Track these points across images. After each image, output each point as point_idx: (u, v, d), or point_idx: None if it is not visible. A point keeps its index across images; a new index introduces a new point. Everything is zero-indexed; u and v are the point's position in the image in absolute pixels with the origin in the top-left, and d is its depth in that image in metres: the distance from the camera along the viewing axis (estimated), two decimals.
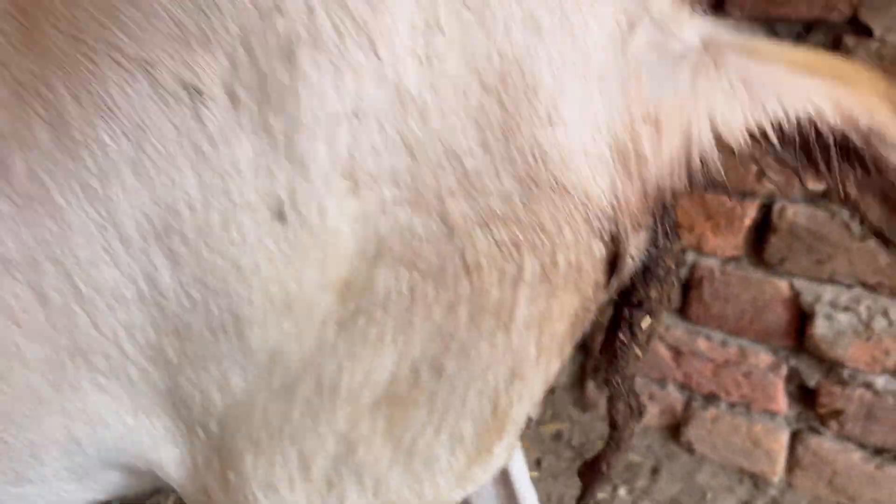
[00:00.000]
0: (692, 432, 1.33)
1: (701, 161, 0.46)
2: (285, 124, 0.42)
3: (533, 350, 0.51)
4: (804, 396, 1.22)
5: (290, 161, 0.43)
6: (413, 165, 0.44)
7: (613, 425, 0.63)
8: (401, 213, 0.45)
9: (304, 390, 0.49)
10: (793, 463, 1.25)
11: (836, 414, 1.18)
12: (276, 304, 0.46)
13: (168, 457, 0.54)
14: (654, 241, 0.52)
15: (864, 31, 0.98)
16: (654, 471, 1.34)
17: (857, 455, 1.18)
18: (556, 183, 0.46)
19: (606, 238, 0.49)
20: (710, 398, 1.30)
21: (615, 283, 0.52)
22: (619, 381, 0.58)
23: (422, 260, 0.46)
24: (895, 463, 1.15)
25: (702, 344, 1.27)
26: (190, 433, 0.53)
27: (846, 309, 1.12)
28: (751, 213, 1.16)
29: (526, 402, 0.54)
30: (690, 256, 1.24)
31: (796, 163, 0.46)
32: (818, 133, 0.45)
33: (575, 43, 0.45)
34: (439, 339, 0.49)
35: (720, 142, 0.46)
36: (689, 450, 1.35)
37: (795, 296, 1.16)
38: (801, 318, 1.17)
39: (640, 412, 0.62)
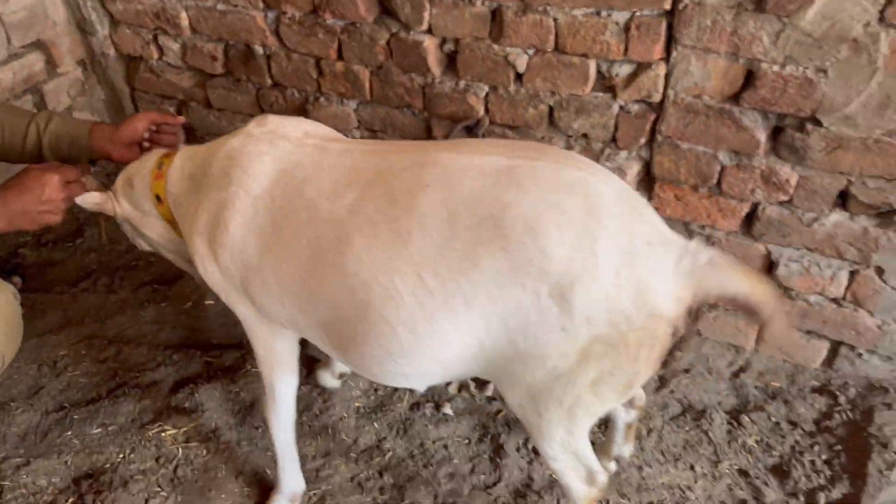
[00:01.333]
0: (701, 324, 2.22)
1: (708, 303, 1.22)
2: (575, 315, 1.19)
3: (644, 365, 1.24)
4: None
5: (569, 320, 1.20)
6: (610, 316, 1.19)
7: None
8: (604, 329, 1.20)
9: (563, 381, 1.27)
10: (759, 338, 2.16)
11: (786, 314, 2.07)
12: (557, 358, 1.24)
13: (507, 395, 1.37)
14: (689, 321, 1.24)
15: (818, 123, 1.74)
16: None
17: (795, 334, 2.10)
18: (660, 315, 1.19)
19: (672, 329, 1.23)
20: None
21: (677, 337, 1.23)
22: (672, 358, 1.29)
23: (609, 342, 1.21)
24: (819, 338, 2.07)
25: None
26: (514, 389, 1.34)
27: (796, 261, 1.97)
28: (745, 209, 1.96)
29: (643, 378, 1.28)
30: (707, 230, 2.05)
31: (735, 306, 1.24)
32: (738, 298, 1.22)
33: (663, 272, 1.20)
34: (613, 366, 1.24)
35: (711, 298, 1.21)
36: (698, 333, 2.24)
37: (768, 254, 2.00)
38: (770, 264, 2.02)
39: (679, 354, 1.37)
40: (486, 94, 2.08)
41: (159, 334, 2.20)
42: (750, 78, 1.75)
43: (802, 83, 1.69)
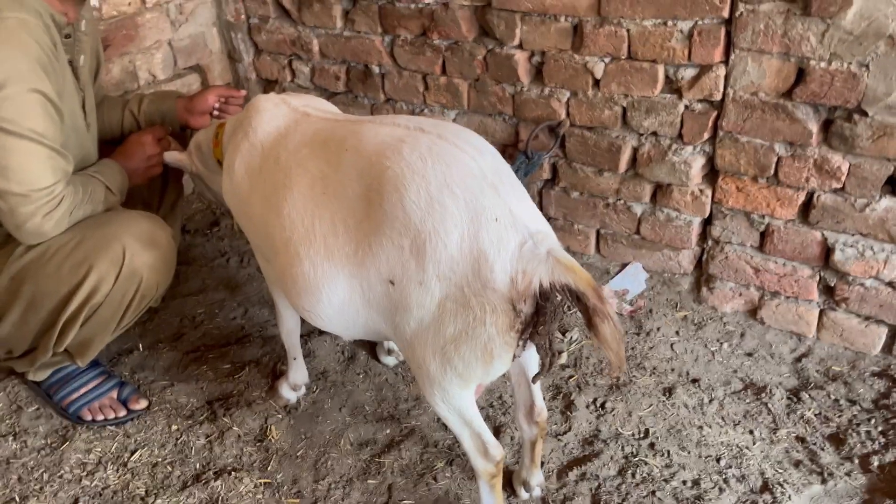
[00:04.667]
0: (764, 312, 2.38)
1: (544, 288, 1.29)
2: (428, 271, 1.40)
3: (495, 333, 1.34)
4: (827, 290, 2.26)
5: (424, 275, 1.40)
6: (455, 278, 1.37)
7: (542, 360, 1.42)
8: (452, 289, 1.38)
9: (431, 331, 1.44)
10: (820, 326, 2.30)
11: (845, 300, 2.23)
12: (419, 309, 1.42)
13: (394, 339, 1.56)
14: (536, 305, 1.32)
15: (864, 113, 1.95)
16: (742, 335, 2.40)
17: (855, 320, 2.23)
18: (494, 288, 1.31)
19: (511, 304, 1.32)
20: (776, 294, 2.35)
21: (523, 315, 1.33)
22: (535, 343, 1.38)
23: (458, 301, 1.37)
24: (877, 323, 2.21)
25: (771, 265, 2.31)
26: (400, 340, 1.53)
27: (851, 246, 2.14)
28: (801, 197, 2.16)
29: (499, 347, 1.36)
30: (766, 219, 2.25)
31: (564, 295, 1.28)
32: (569, 288, 1.27)
33: (502, 249, 1.31)
34: (466, 324, 1.36)
35: (542, 287, 1.28)
36: (762, 322, 2.41)
37: (825, 239, 2.17)
38: (827, 250, 2.19)
39: (553, 355, 1.39)
40: (568, 99, 2.40)
41: None
42: (801, 74, 2.00)
43: (847, 77, 1.93)
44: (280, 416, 2.11)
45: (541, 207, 2.66)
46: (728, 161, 2.21)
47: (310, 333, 2.39)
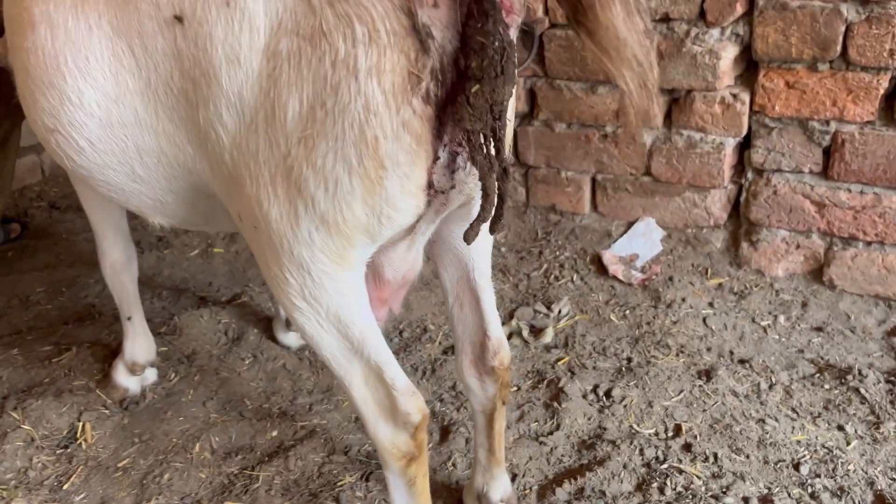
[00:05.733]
0: (834, 270, 1.67)
1: None
2: None
3: (378, 93, 0.72)
4: None
5: None
6: None
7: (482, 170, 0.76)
8: (290, 4, 0.72)
9: (261, 127, 0.77)
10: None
11: None
12: (233, 73, 0.76)
13: (215, 184, 0.87)
14: (462, 24, 0.71)
15: None
16: (804, 304, 1.68)
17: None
18: None
19: (405, 11, 0.70)
20: (850, 240, 1.64)
21: (433, 49, 0.71)
22: (465, 135, 0.74)
23: (301, 29, 0.72)
24: None
25: (842, 195, 1.61)
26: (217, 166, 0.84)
27: None
28: (884, 83, 1.50)
29: (391, 139, 0.74)
30: (832, 126, 1.58)
31: None
32: None
33: None
34: (318, 91, 0.73)
35: None
36: (831, 286, 1.68)
37: None
38: None
39: (504, 169, 0.77)
40: None
41: (156, 277, 1.87)
42: None
43: None
44: (106, 411, 1.38)
45: (516, 152, 1.99)
46: (773, 43, 1.56)
47: (181, 312, 1.67)
